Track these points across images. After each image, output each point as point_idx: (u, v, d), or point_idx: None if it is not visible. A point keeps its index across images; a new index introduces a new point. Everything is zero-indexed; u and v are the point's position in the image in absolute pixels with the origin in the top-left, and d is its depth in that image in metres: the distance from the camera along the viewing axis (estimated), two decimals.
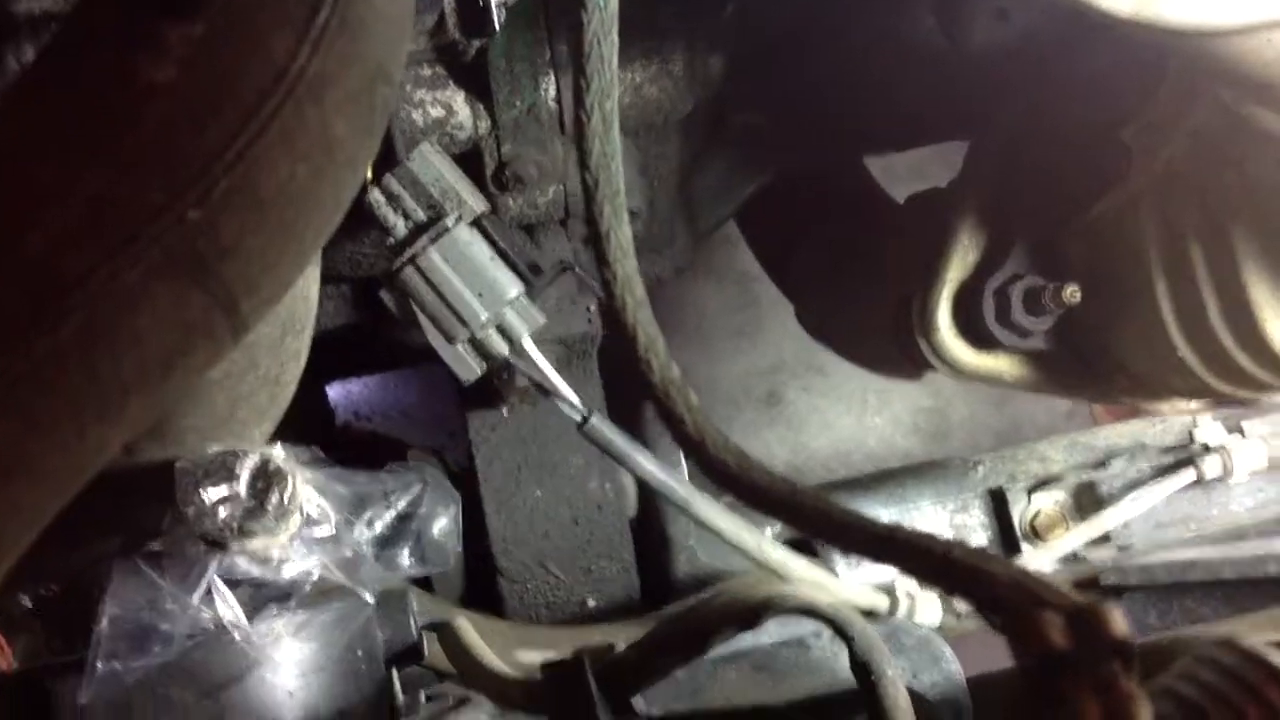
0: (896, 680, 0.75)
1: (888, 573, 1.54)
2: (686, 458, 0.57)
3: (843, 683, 0.97)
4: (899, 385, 2.44)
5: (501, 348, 1.00)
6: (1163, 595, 1.40)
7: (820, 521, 0.52)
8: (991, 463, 1.60)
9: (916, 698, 0.94)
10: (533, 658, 1.12)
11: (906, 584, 1.30)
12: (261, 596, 0.90)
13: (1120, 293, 1.12)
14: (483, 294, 0.98)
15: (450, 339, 0.98)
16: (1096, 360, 1.19)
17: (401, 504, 0.94)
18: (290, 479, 0.87)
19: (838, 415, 2.44)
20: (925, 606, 1.29)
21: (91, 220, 0.50)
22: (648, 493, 1.38)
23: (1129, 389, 1.21)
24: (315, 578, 0.90)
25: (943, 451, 2.45)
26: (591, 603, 1.34)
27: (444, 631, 1.00)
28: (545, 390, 1.01)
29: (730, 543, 1.03)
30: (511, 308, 0.99)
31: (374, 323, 1.32)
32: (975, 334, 1.21)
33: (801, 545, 1.42)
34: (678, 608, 1.25)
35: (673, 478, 1.01)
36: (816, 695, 0.96)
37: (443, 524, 0.95)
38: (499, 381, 1.26)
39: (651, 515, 1.37)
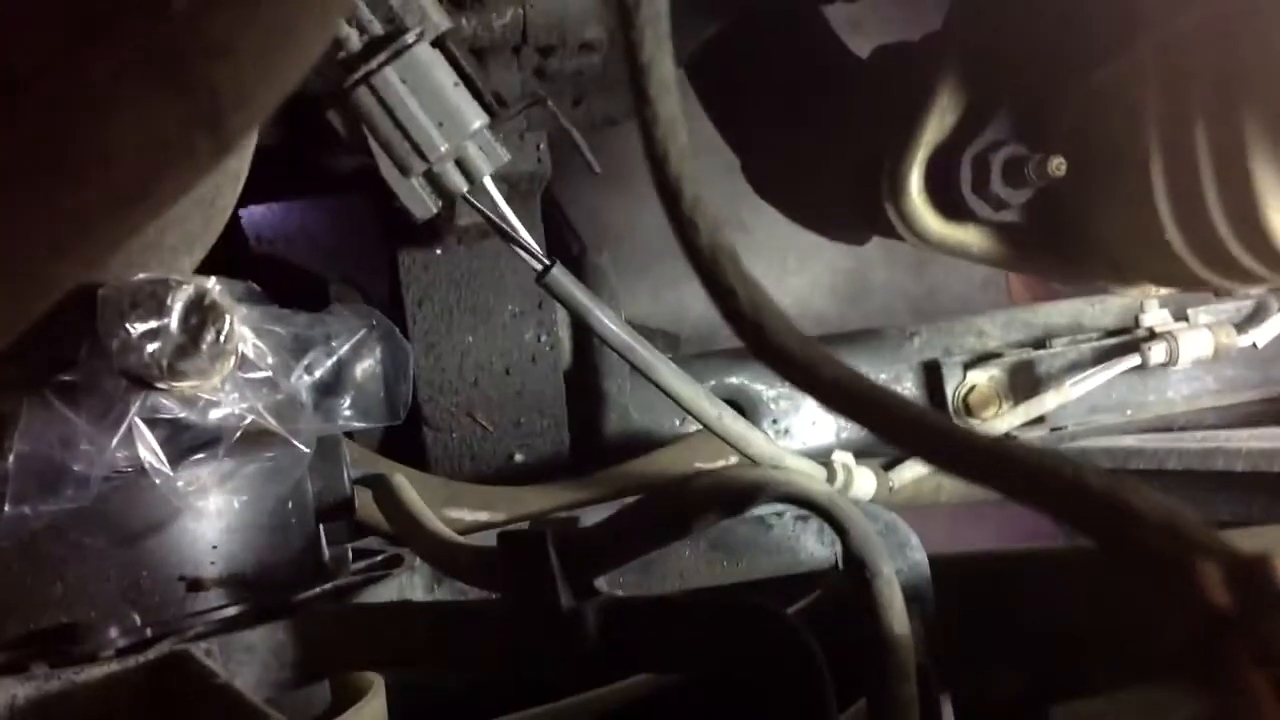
0: (893, 579, 0.70)
1: (820, 438, 1.51)
2: (739, 336, 0.50)
3: (804, 563, 0.93)
4: (820, 246, 2.39)
5: (459, 184, 0.91)
6: None
7: (909, 428, 0.46)
8: (928, 334, 1.56)
9: None
10: (463, 516, 1.06)
11: (842, 456, 1.26)
12: (186, 441, 0.81)
13: (1109, 169, 1.06)
14: (443, 123, 0.88)
15: (404, 171, 0.89)
16: (1072, 238, 1.14)
17: (345, 349, 0.86)
18: (227, 316, 0.78)
19: (759, 272, 2.35)
20: (861, 479, 1.26)
21: (46, 3, 0.41)
22: (583, 346, 1.31)
23: (1102, 271, 1.16)
24: (247, 424, 0.81)
25: (859, 315, 2.42)
26: (519, 457, 1.28)
27: (379, 487, 0.93)
28: (503, 235, 0.92)
29: (689, 410, 0.97)
30: (474, 141, 0.90)
31: (302, 145, 1.22)
32: (947, 202, 1.15)
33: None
34: (619, 475, 1.19)
35: (634, 338, 0.94)
36: (777, 575, 0.92)
37: (391, 375, 0.86)
38: (438, 218, 1.17)
39: (586, 369, 1.31)
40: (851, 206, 1.29)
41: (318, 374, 0.85)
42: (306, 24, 0.43)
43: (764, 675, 0.73)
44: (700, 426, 1.30)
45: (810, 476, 0.70)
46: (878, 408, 0.46)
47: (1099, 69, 1.06)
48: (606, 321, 0.93)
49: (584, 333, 1.31)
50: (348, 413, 0.86)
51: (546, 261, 0.92)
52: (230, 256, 0.89)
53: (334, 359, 0.86)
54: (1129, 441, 1.36)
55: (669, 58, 0.50)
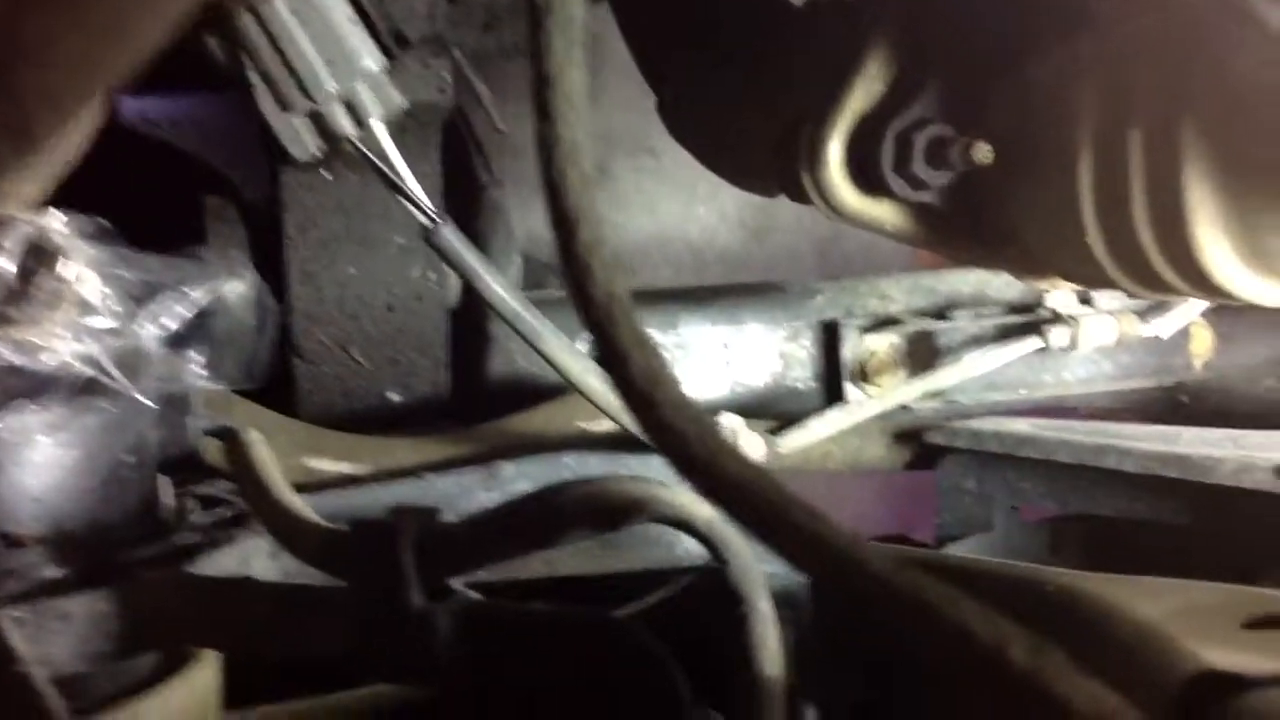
0: (769, 616, 0.65)
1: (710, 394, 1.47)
2: (629, 408, 0.44)
3: (680, 559, 0.88)
4: None
5: (346, 127, 0.84)
6: (986, 464, 1.36)
7: (815, 553, 0.40)
8: (830, 293, 1.52)
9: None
10: (324, 467, 1.00)
11: (731, 419, 1.22)
12: (15, 387, 0.74)
13: (1036, 163, 1.01)
14: (334, 61, 0.81)
15: (286, 107, 0.81)
16: (989, 226, 1.09)
17: (200, 298, 0.79)
18: (67, 259, 0.71)
19: (664, 199, 2.32)
20: (748, 443, 1.22)
21: None
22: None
23: (1016, 261, 1.11)
24: (85, 374, 0.74)
25: (764, 253, 2.37)
26: (395, 397, 1.21)
27: (230, 442, 0.87)
28: (390, 185, 0.85)
29: (575, 385, 0.92)
30: (366, 82, 0.82)
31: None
32: (866, 176, 1.09)
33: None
34: (492, 432, 1.13)
35: (523, 305, 0.88)
36: (649, 571, 0.87)
37: (251, 332, 0.80)
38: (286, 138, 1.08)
39: (473, 309, 1.24)
40: (773, 169, 1.23)
41: (168, 324, 0.78)
42: (142, 21, 0.36)
43: (622, 695, 0.68)
44: None
45: (694, 498, 0.65)
46: (784, 525, 0.40)
47: (1037, 59, 1.00)
48: (495, 287, 0.87)
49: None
50: (198, 369, 0.79)
51: (435, 218, 0.86)
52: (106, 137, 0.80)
53: (188, 309, 0.79)
54: (1022, 427, 1.33)
55: (580, 70, 0.44)
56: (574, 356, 0.90)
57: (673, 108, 1.46)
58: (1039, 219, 1.06)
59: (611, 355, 0.43)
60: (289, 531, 0.78)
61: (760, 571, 0.66)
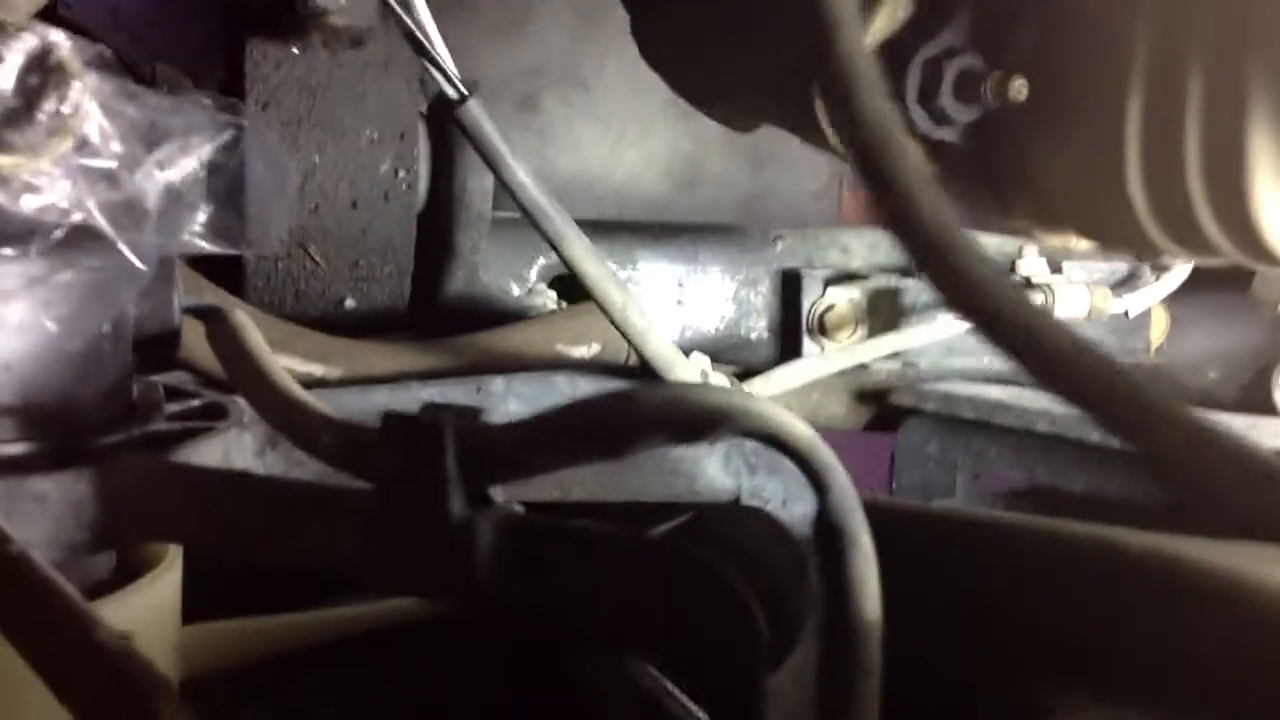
0: (872, 554, 0.58)
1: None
2: (922, 265, 0.36)
3: (701, 493, 0.81)
4: (662, 122, 2.27)
5: None
6: (952, 429, 1.32)
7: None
8: (791, 241, 1.46)
9: (783, 532, 0.80)
10: (293, 366, 0.90)
11: (700, 359, 1.15)
12: None
13: (1074, 103, 0.96)
14: None
15: None
16: (1008, 172, 1.04)
17: (206, 150, 0.68)
18: (75, 82, 0.60)
19: (592, 138, 2.24)
20: (716, 383, 1.15)
21: None
22: (440, 190, 1.15)
23: (1030, 213, 1.07)
24: (73, 220, 0.64)
25: (687, 202, 2.31)
26: (350, 303, 1.11)
27: (215, 323, 0.76)
28: (420, 50, 0.76)
29: (594, 293, 0.84)
30: None
31: None
32: None
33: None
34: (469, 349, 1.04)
35: (550, 201, 0.80)
36: (670, 501, 0.80)
37: (264, 192, 0.69)
38: (305, 6, 0.98)
39: (439, 215, 1.15)
40: (776, 97, 1.16)
41: (172, 174, 0.68)
42: None
43: (689, 631, 0.61)
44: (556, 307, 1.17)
45: (789, 414, 0.58)
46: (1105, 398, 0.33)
47: None
48: (522, 176, 0.78)
49: (443, 175, 1.14)
50: (202, 230, 0.69)
51: (464, 90, 0.76)
52: None
53: (195, 158, 0.68)
54: (996, 393, 1.29)
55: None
56: (598, 263, 0.82)
57: (649, 27, 1.38)
58: (1070, 164, 1.01)
59: (891, 191, 0.35)
60: (296, 425, 0.68)
61: (859, 503, 0.59)
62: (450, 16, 2.23)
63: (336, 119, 1.07)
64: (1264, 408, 1.39)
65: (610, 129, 2.24)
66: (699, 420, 0.58)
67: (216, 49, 1.11)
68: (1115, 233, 1.02)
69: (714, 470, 0.81)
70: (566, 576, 0.62)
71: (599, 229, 1.39)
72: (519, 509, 0.63)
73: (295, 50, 1.05)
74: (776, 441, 0.58)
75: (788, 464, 0.73)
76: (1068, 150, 0.99)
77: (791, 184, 2.38)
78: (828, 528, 0.58)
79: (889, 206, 0.35)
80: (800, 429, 0.59)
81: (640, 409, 0.59)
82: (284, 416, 0.69)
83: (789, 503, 0.79)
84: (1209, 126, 0.86)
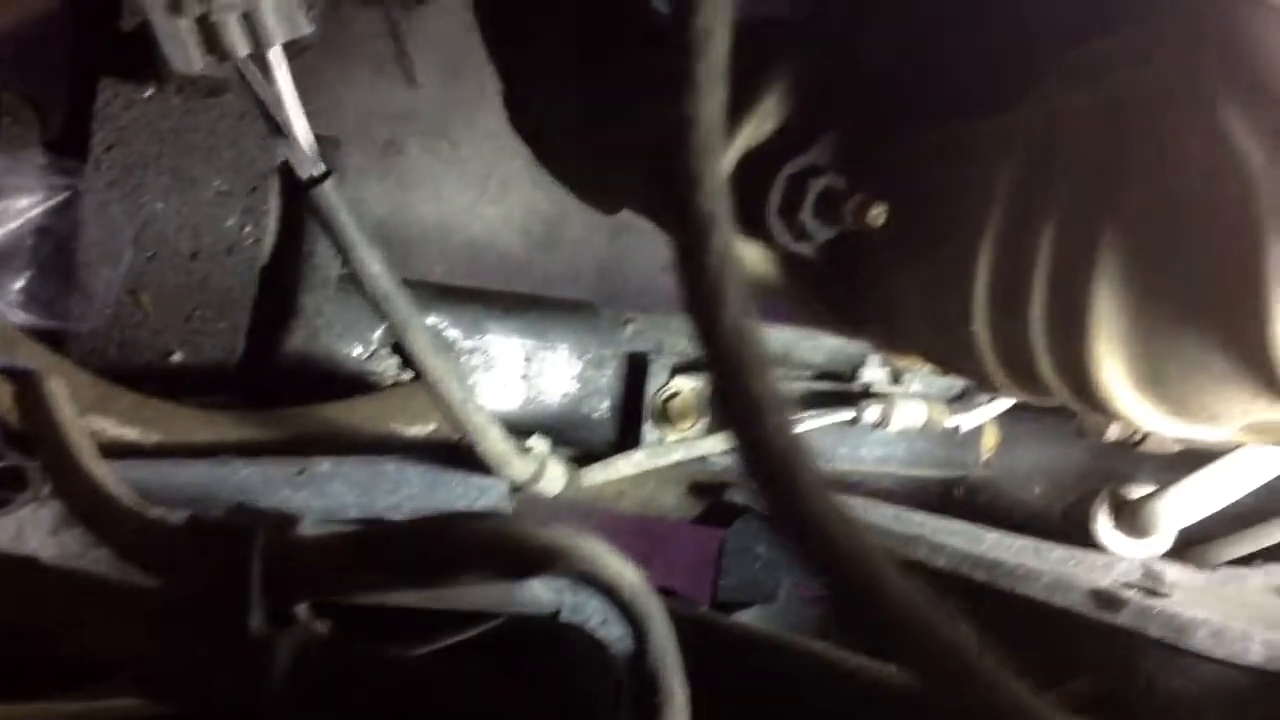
0: (685, 705, 0.57)
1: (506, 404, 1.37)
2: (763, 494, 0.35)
3: (520, 604, 0.79)
4: (523, 181, 2.25)
5: (240, 47, 0.71)
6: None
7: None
8: (642, 325, 1.45)
9: (601, 653, 0.78)
10: (106, 429, 0.86)
11: (540, 443, 1.13)
12: None
13: (930, 234, 0.97)
14: None
15: (176, 9, 0.68)
16: (860, 291, 1.05)
17: (36, 212, 0.65)
18: None
19: (453, 190, 2.21)
20: (553, 471, 1.13)
21: None
22: (288, 246, 1.11)
23: (878, 334, 1.07)
24: None
25: (544, 264, 2.29)
26: (177, 356, 1.07)
27: (27, 388, 0.72)
28: (273, 125, 0.73)
29: (435, 387, 0.81)
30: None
31: None
32: (745, 214, 1.03)
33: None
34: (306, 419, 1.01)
35: (398, 288, 0.77)
36: (485, 610, 0.77)
37: (91, 260, 0.66)
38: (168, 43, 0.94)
39: (284, 273, 1.11)
40: (636, 194, 1.15)
41: None
42: None
43: None
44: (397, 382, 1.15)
45: (618, 556, 0.56)
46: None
47: (952, 125, 0.96)
48: (371, 263, 0.75)
49: (293, 232, 1.11)
50: (19, 298, 0.65)
51: (320, 169, 0.74)
52: None
53: (21, 221, 0.64)
54: None
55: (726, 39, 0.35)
56: (438, 357, 0.80)
57: (521, 103, 1.37)
58: (921, 294, 1.02)
59: (740, 411, 0.34)
60: (97, 511, 0.64)
61: (678, 656, 0.58)
62: (328, 51, 2.20)
63: (185, 167, 1.03)
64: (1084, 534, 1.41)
65: (472, 183, 2.22)
66: (524, 557, 0.56)
67: (65, 81, 1.06)
68: (958, 366, 1.03)
69: (535, 584, 0.79)
70: (360, 700, 0.59)
71: (449, 295, 1.37)
72: (323, 628, 0.60)
73: (149, 93, 1.01)
74: (602, 586, 0.57)
75: None
76: (920, 281, 1.00)
77: (649, 254, 2.38)
78: (644, 679, 0.57)
79: (739, 428, 0.34)
80: (627, 575, 0.57)
81: (464, 542, 0.57)
82: (83, 499, 0.65)
83: (609, 623, 0.78)
84: (1056, 280, 0.87)
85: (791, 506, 0.33)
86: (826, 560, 0.34)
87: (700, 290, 0.34)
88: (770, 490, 0.34)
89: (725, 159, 1.00)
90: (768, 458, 0.34)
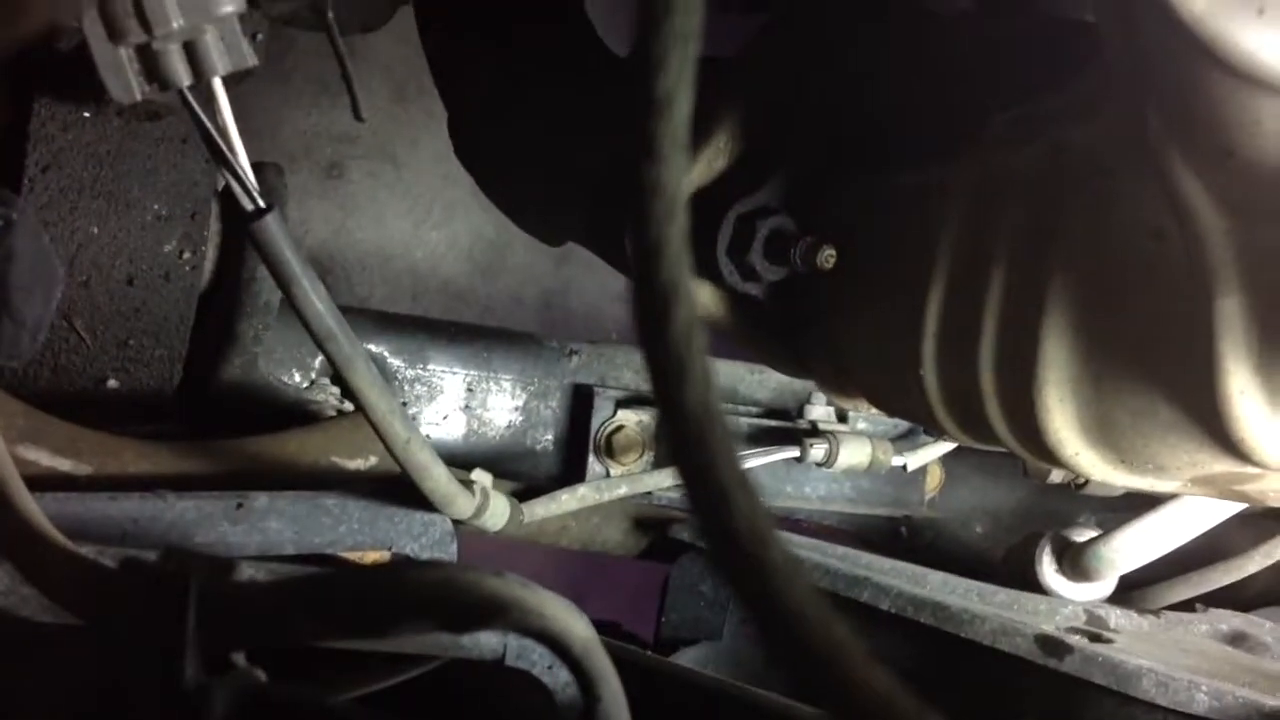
0: None
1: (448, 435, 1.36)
2: (726, 574, 0.34)
3: (465, 648, 0.77)
4: (467, 205, 2.24)
5: (181, 76, 0.69)
6: None
7: None
8: (587, 356, 1.44)
9: (547, 697, 0.77)
10: (39, 459, 0.83)
11: (483, 477, 1.11)
12: None
13: (879, 278, 0.97)
14: None
15: (116, 36, 0.66)
16: (809, 332, 1.04)
17: None
18: None
19: (396, 214, 2.20)
20: (496, 506, 1.12)
21: None
22: (227, 273, 1.09)
23: (824, 373, 1.07)
24: None
25: (487, 291, 2.28)
26: (112, 383, 1.04)
27: None
28: (217, 156, 0.71)
29: (378, 427, 0.80)
30: (218, 27, 0.69)
31: None
32: (695, 253, 1.02)
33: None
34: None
35: (340, 325, 0.76)
36: (428, 654, 0.75)
37: (22, 293, 0.64)
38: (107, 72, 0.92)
39: (223, 299, 1.09)
40: (584, 230, 1.14)
41: None
42: None
43: None
44: (338, 411, 1.13)
45: (569, 609, 0.55)
46: None
47: (904, 171, 0.96)
48: (314, 298, 0.73)
49: (232, 258, 1.09)
50: None
51: (261, 204, 0.72)
52: None
53: None
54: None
55: (689, 98, 0.34)
56: (382, 394, 0.78)
57: (465, 130, 1.36)
58: (868, 338, 1.01)
59: (702, 488, 0.33)
60: (26, 550, 0.62)
61: (627, 711, 0.56)
62: (272, 75, 2.17)
63: (122, 190, 1.01)
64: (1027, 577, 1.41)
65: (416, 207, 2.21)
66: (471, 610, 0.55)
67: (1, 99, 1.03)
68: (905, 409, 1.03)
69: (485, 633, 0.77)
70: None
71: (392, 324, 1.35)
72: (260, 675, 0.58)
73: (86, 114, 0.99)
74: (552, 641, 0.56)
75: None
76: (868, 324, 1.00)
77: (595, 283, 2.38)
78: None
79: (702, 511, 0.33)
80: (578, 631, 0.56)
81: (409, 593, 0.55)
82: (13, 541, 0.63)
83: (554, 668, 0.76)
84: (1004, 327, 0.87)
85: (761, 598, 0.32)
86: (791, 645, 0.33)
87: (663, 365, 0.33)
88: (736, 575, 0.33)
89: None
90: (732, 543, 0.33)
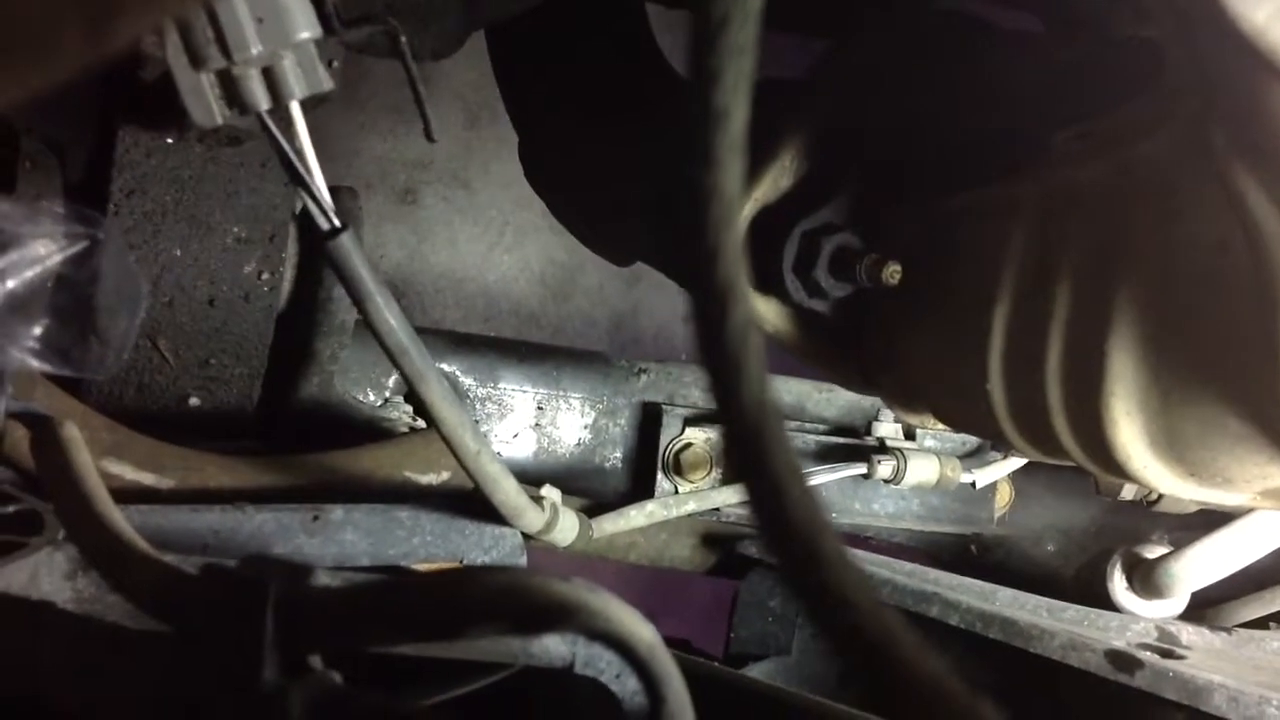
0: None
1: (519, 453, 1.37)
2: (783, 567, 0.35)
3: (534, 656, 0.78)
4: (539, 229, 2.26)
5: (260, 100, 0.72)
6: None
7: None
8: (656, 375, 1.45)
9: (615, 705, 0.78)
10: (123, 474, 0.86)
11: (552, 493, 1.13)
12: None
13: (945, 295, 0.97)
14: (264, 20, 0.69)
15: (197, 62, 0.69)
16: (875, 349, 1.05)
17: (55, 261, 0.65)
18: None
19: (469, 238, 2.22)
20: (566, 522, 1.13)
21: None
22: (304, 294, 1.12)
23: (891, 389, 1.07)
24: None
25: (558, 312, 2.30)
26: (194, 401, 1.07)
27: (42, 434, 0.72)
28: (295, 178, 0.74)
29: (448, 439, 0.82)
30: (295, 53, 0.71)
31: None
32: (760, 270, 1.04)
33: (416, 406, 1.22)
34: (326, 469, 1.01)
35: (413, 340, 0.78)
36: (497, 662, 0.77)
37: (109, 310, 0.66)
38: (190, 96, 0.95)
39: (300, 320, 1.12)
40: (649, 244, 1.16)
41: (10, 284, 0.64)
42: None
43: None
44: (411, 429, 1.15)
45: (634, 614, 0.56)
46: None
47: (968, 190, 0.97)
48: (388, 315, 0.76)
49: (309, 280, 1.12)
50: (36, 346, 0.65)
51: (337, 223, 0.74)
52: None
53: (35, 268, 0.65)
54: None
55: (746, 110, 0.35)
56: (453, 407, 0.80)
57: (536, 155, 1.38)
58: (934, 353, 1.02)
59: (757, 480, 0.34)
60: (113, 560, 0.65)
61: (694, 717, 0.58)
62: (347, 102, 2.22)
63: (204, 214, 1.04)
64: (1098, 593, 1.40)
65: (488, 231, 2.23)
66: (539, 612, 0.56)
67: (88, 127, 1.07)
68: (972, 424, 1.03)
69: (549, 635, 0.79)
70: None
71: (464, 343, 1.37)
72: (337, 679, 0.60)
73: (169, 140, 1.02)
74: (617, 644, 0.57)
75: None
76: (934, 340, 1.00)
77: (665, 305, 2.39)
78: None
79: (758, 505, 0.34)
80: (642, 633, 0.57)
81: (477, 595, 0.57)
82: (98, 547, 0.66)
83: (623, 676, 0.77)
84: (1072, 341, 0.88)
85: (815, 587, 0.33)
86: (843, 632, 0.34)
87: (720, 364, 0.34)
88: (790, 565, 0.34)
89: (743, 213, 1.02)
90: (787, 534, 0.34)
